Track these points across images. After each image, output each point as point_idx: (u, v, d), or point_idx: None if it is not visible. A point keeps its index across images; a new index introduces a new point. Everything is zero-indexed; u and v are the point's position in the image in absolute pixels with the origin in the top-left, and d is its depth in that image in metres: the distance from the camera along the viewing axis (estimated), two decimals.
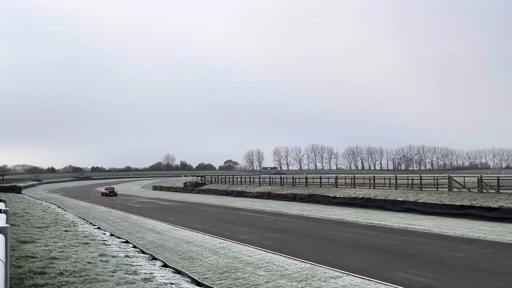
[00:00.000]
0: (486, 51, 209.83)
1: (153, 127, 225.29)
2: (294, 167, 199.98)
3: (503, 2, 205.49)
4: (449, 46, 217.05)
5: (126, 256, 11.87)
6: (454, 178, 29.12)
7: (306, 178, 44.80)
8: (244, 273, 10.84)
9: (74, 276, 8.67)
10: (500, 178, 27.64)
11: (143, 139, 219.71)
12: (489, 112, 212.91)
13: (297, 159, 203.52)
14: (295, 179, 46.51)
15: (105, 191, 55.46)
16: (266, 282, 9.95)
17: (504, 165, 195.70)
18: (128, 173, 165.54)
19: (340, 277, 10.29)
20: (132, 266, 10.35)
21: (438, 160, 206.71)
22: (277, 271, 11.05)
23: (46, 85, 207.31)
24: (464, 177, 31.96)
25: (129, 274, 9.25)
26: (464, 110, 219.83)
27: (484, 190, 25.76)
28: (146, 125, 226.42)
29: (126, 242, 15.29)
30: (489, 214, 21.38)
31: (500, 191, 25.43)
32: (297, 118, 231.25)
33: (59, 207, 34.32)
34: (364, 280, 9.96)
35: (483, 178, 26.94)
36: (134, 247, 14.12)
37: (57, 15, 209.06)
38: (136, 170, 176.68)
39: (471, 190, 27.24)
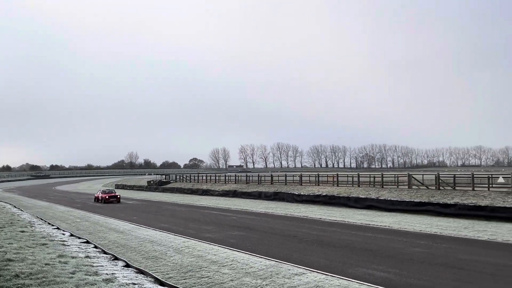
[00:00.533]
0: (445, 52, 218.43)
1: (117, 125, 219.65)
2: (260, 165, 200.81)
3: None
4: (411, 48, 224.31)
5: (87, 256, 11.53)
6: (413, 176, 30.14)
7: (272, 176, 45.09)
8: (209, 272, 10.78)
9: (31, 279, 8.34)
10: (456, 175, 28.85)
11: (105, 137, 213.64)
12: (447, 112, 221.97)
13: (263, 158, 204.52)
14: (261, 177, 46.71)
15: (102, 195, 37.89)
16: (231, 280, 9.94)
17: (460, 163, 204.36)
18: (89, 171, 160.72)
19: (304, 273, 10.42)
20: (93, 266, 10.06)
21: (399, 159, 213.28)
22: (242, 269, 11.06)
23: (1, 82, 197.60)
24: (422, 174, 33.13)
25: (90, 275, 8.99)
26: (424, 110, 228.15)
27: (441, 187, 26.81)
28: (109, 123, 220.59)
29: (87, 242, 14.85)
30: (446, 210, 22.27)
31: (456, 188, 26.55)
32: (263, 117, 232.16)
33: (15, 206, 32.89)
34: (327, 276, 10.13)
35: (440, 175, 28.02)
36: (95, 247, 13.74)
37: (10, 9, 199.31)
38: (98, 168, 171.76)
39: (429, 187, 28.27)
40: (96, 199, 38.74)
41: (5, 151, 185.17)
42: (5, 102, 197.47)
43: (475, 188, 25.03)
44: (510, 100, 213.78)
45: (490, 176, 27.25)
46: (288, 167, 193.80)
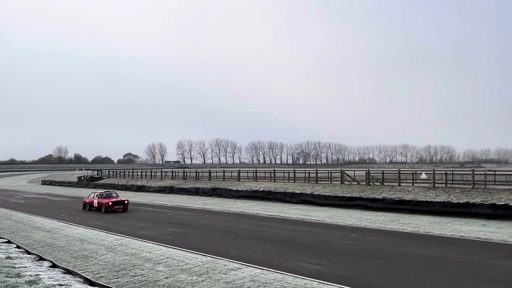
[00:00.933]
0: (378, 50, 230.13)
1: (46, 120, 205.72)
2: (198, 161, 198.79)
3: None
4: (343, 46, 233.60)
5: (8, 257, 10.70)
6: (345, 172, 31.46)
7: (210, 172, 44.82)
8: (143, 270, 10.49)
9: None
10: (384, 172, 30.54)
11: (33, 131, 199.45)
12: (377, 111, 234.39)
13: (201, 153, 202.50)
14: (199, 173, 46.28)
15: (100, 201, 25.30)
16: (166, 277, 9.74)
17: (388, 160, 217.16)
18: (12, 166, 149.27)
19: (240, 268, 10.48)
20: (15, 268, 9.36)
21: (333, 155, 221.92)
22: (177, 266, 10.88)
23: None
24: (354, 171, 34.72)
25: (11, 277, 8.35)
26: (356, 109, 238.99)
27: (371, 183, 28.25)
28: (38, 118, 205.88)
29: (8, 242, 13.82)
30: (375, 205, 23.50)
31: (384, 183, 28.12)
32: (201, 112, 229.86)
33: None
34: (263, 270, 10.27)
35: (370, 172, 29.52)
36: (18, 247, 12.82)
37: None
38: (23, 163, 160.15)
39: (360, 183, 29.69)
40: (89, 206, 26.20)
41: None
42: None
43: (401, 184, 26.68)
44: (434, 101, 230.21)
45: (414, 172, 29.19)
46: (227, 163, 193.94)
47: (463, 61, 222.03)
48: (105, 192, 28.00)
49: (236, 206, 26.97)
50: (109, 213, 24.16)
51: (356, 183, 29.86)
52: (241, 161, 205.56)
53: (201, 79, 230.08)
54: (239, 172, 40.82)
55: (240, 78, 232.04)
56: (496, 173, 31.17)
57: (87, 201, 26.69)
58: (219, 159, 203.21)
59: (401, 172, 28.13)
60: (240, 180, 38.99)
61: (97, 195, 26.32)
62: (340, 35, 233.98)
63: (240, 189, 33.16)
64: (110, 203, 24.66)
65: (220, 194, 34.35)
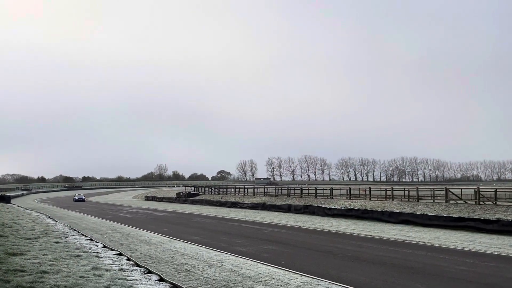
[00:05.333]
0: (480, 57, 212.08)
1: (146, 137, 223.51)
2: (287, 178, 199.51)
3: None
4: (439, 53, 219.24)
5: (121, 269, 11.38)
6: (450, 189, 28.94)
7: (301, 189, 44.44)
8: (244, 287, 10.43)
9: None
10: (497, 190, 27.51)
11: (136, 149, 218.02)
12: (479, 124, 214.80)
13: (290, 170, 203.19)
14: (290, 190, 46.13)
15: None
16: None
17: (495, 177, 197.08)
18: (120, 183, 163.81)
19: None
20: (128, 280, 9.88)
21: (431, 172, 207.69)
22: (277, 285, 10.65)
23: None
24: (461, 189, 31.77)
25: None
26: (455, 122, 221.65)
27: (481, 202, 25.58)
28: (141, 135, 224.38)
29: (120, 254, 14.78)
30: (487, 227, 21.14)
31: (498, 203, 25.26)
32: (288, 131, 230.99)
33: (49, 217, 33.53)
34: None
35: (480, 189, 26.77)
36: (128, 259, 13.62)
37: None
38: (128, 180, 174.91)
39: (468, 202, 27.06)
40: None
41: (40, 162, 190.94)
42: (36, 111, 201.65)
43: None
44: None
45: None
46: (316, 180, 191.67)
47: None
48: None
49: (331, 224, 26.15)
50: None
51: (463, 202, 27.27)
52: (330, 178, 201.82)
53: (287, 96, 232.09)
54: (331, 189, 39.83)
55: (325, 92, 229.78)
56: None
57: None
58: (308, 176, 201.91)
59: None
60: (333, 197, 37.97)
61: None
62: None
63: (333, 207, 32.22)
64: None
65: (313, 212, 33.71)
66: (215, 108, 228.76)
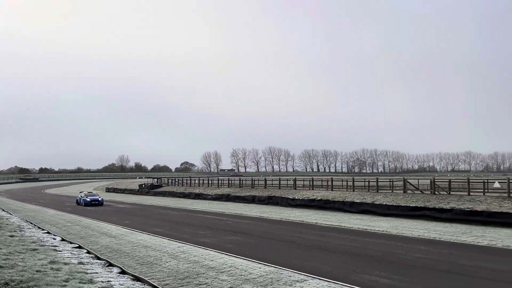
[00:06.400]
0: (441, 55, 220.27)
1: (107, 128, 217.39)
2: (252, 169, 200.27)
3: None
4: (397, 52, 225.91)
5: (80, 263, 11.08)
6: (408, 180, 30.01)
7: (265, 180, 44.78)
8: (207, 278, 10.42)
9: (22, 287, 7.90)
10: (451, 180, 28.78)
11: (97, 139, 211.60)
12: (437, 117, 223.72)
13: (255, 162, 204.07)
14: (254, 181, 46.37)
15: None
16: (230, 287, 9.59)
17: (449, 168, 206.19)
18: (79, 174, 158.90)
19: (305, 280, 10.11)
20: (87, 273, 9.63)
21: (390, 163, 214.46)
22: (241, 275, 10.72)
23: None
24: (418, 179, 33.03)
25: (84, 283, 8.57)
26: (414, 115, 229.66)
27: (436, 192, 26.70)
28: (101, 126, 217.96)
29: (79, 247, 14.39)
30: (442, 215, 22.12)
31: (451, 193, 26.45)
32: (252, 122, 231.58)
33: (3, 210, 32.14)
34: (330, 283, 9.83)
35: (435, 180, 27.93)
36: (88, 252, 13.29)
37: None
38: (88, 171, 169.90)
39: (424, 192, 28.19)
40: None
41: None
42: None
43: (471, 193, 24.95)
44: (501, 105, 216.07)
45: (486, 181, 27.23)
46: (280, 171, 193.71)
47: None
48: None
49: (294, 215, 26.55)
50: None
51: (419, 192, 28.38)
52: (294, 169, 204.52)
53: (251, 88, 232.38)
54: (295, 180, 40.36)
55: (292, 87, 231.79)
56: None
57: None
58: (272, 167, 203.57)
59: (470, 181, 26.33)
60: (296, 188, 38.51)
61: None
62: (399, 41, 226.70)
63: (296, 197, 32.70)
64: None
65: (277, 203, 34.08)
66: (179, 100, 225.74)
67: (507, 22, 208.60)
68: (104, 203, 39.80)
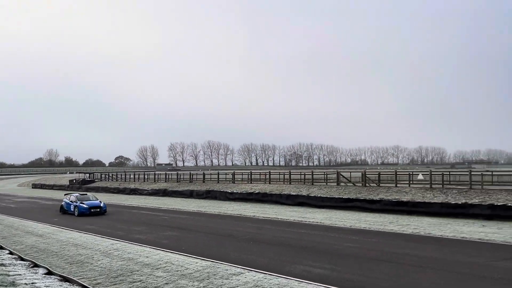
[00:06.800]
0: (373, 51, 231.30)
1: (32, 120, 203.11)
2: (190, 163, 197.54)
3: None
4: (332, 46, 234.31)
5: (1, 264, 10.29)
6: (341, 173, 31.30)
7: (204, 175, 44.44)
8: (141, 275, 10.15)
9: None
10: (380, 173, 30.44)
11: (20, 132, 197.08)
12: (368, 112, 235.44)
13: (193, 155, 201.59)
14: (192, 175, 45.86)
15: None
16: (166, 283, 9.42)
17: (379, 161, 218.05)
18: (2, 169, 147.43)
19: (242, 273, 10.18)
20: (9, 276, 8.96)
21: (325, 157, 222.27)
22: (177, 271, 10.56)
23: None
24: (350, 172, 34.54)
25: (5, 286, 7.96)
26: (347, 110, 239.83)
27: (367, 184, 28.12)
28: (27, 119, 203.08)
29: (0, 248, 13.35)
30: (372, 206, 23.33)
31: (381, 185, 28.00)
32: (193, 116, 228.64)
33: None
34: (266, 275, 9.98)
35: (366, 173, 29.39)
36: (11, 253, 12.39)
37: None
38: (12, 166, 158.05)
39: (356, 184, 29.56)
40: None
41: None
42: None
43: (398, 185, 26.56)
44: (425, 103, 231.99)
45: (411, 173, 29.12)
46: (219, 165, 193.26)
47: (454, 64, 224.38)
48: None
49: (232, 208, 26.65)
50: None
51: (352, 184, 29.71)
52: (233, 163, 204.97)
53: (190, 82, 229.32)
54: (233, 174, 40.49)
55: (230, 82, 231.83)
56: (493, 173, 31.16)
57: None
58: (211, 161, 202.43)
59: (397, 173, 28.02)
60: (235, 182, 38.66)
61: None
62: (333, 35, 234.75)
63: (235, 191, 32.84)
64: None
65: (215, 197, 34.00)
66: (113, 93, 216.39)
67: (440, 22, 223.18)
68: (31, 200, 37.22)
